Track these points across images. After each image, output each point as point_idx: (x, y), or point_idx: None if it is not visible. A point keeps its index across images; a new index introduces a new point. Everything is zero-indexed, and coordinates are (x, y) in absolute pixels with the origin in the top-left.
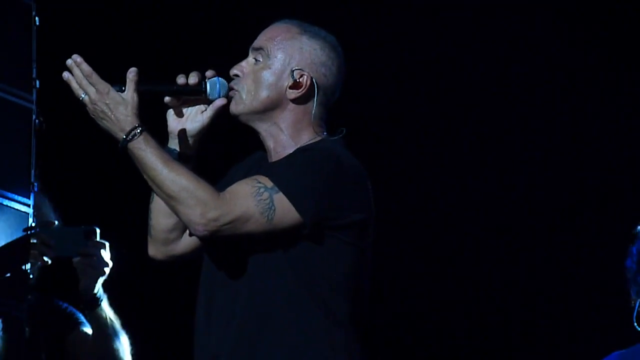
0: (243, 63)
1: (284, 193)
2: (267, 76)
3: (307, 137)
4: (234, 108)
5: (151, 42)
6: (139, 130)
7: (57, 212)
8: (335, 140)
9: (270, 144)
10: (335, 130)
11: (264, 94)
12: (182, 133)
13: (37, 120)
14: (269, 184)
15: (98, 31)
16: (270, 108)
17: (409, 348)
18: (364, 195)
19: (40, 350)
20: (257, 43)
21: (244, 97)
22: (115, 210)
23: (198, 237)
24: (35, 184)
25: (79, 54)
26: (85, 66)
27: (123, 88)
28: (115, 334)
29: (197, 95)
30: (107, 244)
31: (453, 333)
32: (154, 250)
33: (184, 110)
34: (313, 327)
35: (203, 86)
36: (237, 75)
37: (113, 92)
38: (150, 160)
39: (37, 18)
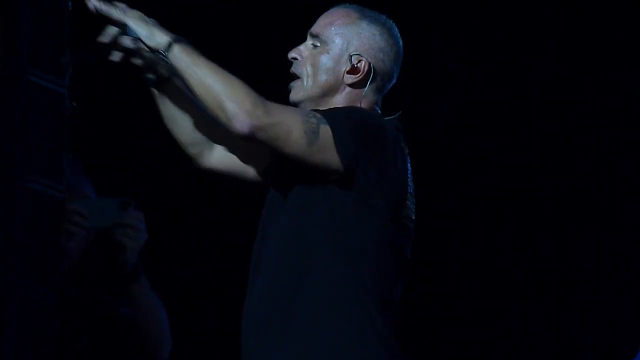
0: (301, 47)
1: (330, 128)
2: (326, 60)
3: None
4: (295, 96)
5: (190, 21)
6: (176, 37)
7: (95, 191)
8: (389, 119)
9: None
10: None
11: (322, 78)
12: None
13: (69, 106)
14: (319, 115)
15: None
16: (328, 93)
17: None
18: (401, 169)
19: (78, 336)
20: (314, 29)
21: (305, 83)
22: (148, 189)
23: (239, 133)
24: (68, 170)
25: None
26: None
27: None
28: (157, 303)
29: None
30: (143, 215)
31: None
32: (200, 159)
33: None
34: (345, 296)
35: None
36: (295, 59)
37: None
38: (184, 68)
39: (70, 3)
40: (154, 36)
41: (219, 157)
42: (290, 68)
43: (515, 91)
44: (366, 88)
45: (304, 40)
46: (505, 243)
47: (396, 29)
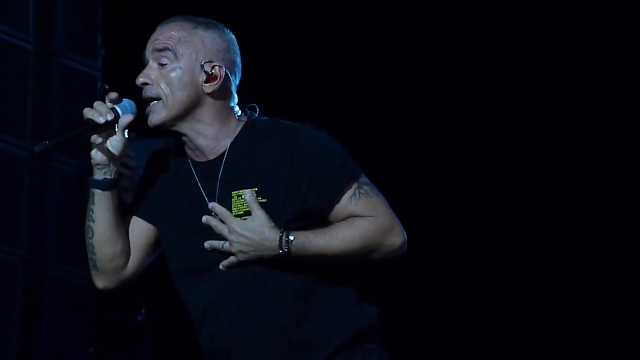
0: (146, 71)
1: (359, 175)
2: (180, 76)
3: (234, 124)
4: (156, 118)
5: (217, 9)
6: (286, 237)
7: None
8: (269, 119)
9: (201, 142)
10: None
11: (182, 94)
12: (107, 161)
13: (102, 88)
14: (354, 185)
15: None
16: (191, 108)
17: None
18: None
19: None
20: (157, 45)
21: (164, 103)
22: None
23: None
24: None
25: (143, 23)
26: (219, 208)
27: (46, 143)
28: None
29: (113, 125)
30: None
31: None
32: (106, 282)
33: (94, 139)
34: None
35: (116, 112)
36: (146, 84)
37: (244, 223)
38: (317, 249)
39: None
40: (266, 249)
41: (134, 263)
42: (141, 95)
43: (515, 91)
44: (232, 92)
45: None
46: (505, 243)
47: (222, 25)
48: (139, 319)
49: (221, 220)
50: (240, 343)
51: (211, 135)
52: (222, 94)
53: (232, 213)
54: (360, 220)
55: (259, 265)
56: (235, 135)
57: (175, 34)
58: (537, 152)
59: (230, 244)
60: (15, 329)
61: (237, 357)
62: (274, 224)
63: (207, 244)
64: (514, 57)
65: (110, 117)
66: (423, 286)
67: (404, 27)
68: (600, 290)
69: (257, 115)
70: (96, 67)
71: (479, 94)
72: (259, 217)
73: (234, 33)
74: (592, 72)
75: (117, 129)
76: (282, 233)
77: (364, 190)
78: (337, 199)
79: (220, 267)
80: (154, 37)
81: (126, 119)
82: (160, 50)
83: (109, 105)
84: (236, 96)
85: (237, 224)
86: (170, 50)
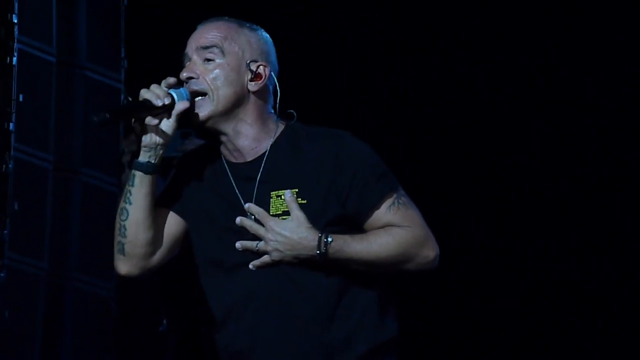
0: (191, 65)
1: (397, 186)
2: (227, 73)
3: (273, 126)
4: (203, 113)
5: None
6: (325, 238)
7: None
8: (305, 125)
9: (241, 142)
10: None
11: (228, 90)
12: (154, 144)
13: (125, 100)
14: (392, 195)
15: (185, 12)
16: (235, 105)
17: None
18: None
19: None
20: (203, 42)
21: (210, 98)
22: None
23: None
24: (126, 163)
25: (165, 35)
26: (255, 208)
27: (107, 115)
28: None
29: (168, 109)
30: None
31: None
32: (130, 267)
33: (148, 120)
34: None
35: (171, 96)
36: (191, 78)
37: (282, 222)
38: (354, 253)
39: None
40: (304, 249)
41: (161, 253)
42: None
43: (515, 91)
44: (271, 93)
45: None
46: (505, 243)
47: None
48: (160, 329)
49: (256, 220)
50: (264, 343)
51: (252, 136)
52: (264, 94)
53: (269, 213)
54: (398, 229)
55: (291, 265)
56: (275, 137)
57: (221, 32)
58: (537, 152)
59: (266, 242)
60: (38, 340)
61: (259, 357)
62: (311, 225)
63: (238, 244)
64: (514, 57)
65: (167, 101)
66: (423, 286)
67: (404, 27)
68: (600, 290)
69: (294, 120)
70: (119, 79)
71: (479, 94)
72: (298, 217)
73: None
74: (592, 72)
75: (171, 114)
76: (321, 234)
77: (402, 201)
78: (376, 206)
79: (251, 266)
80: (197, 35)
81: (181, 105)
82: (206, 47)
83: (165, 88)
84: (273, 98)
85: (274, 223)
86: (217, 47)
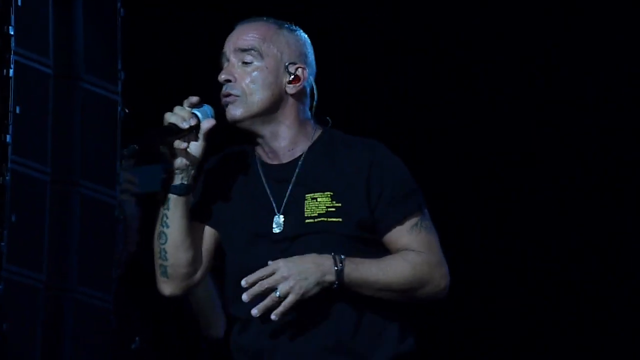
0: (229, 68)
1: (422, 209)
2: (265, 75)
3: (311, 129)
4: (235, 113)
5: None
6: (338, 261)
7: (139, 206)
8: (341, 132)
9: (277, 144)
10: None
11: (266, 94)
12: (185, 166)
13: (122, 112)
14: (416, 217)
15: (184, 23)
16: (272, 108)
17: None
18: None
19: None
20: (241, 44)
21: (244, 99)
22: None
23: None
24: (121, 174)
25: (163, 45)
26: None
27: (135, 146)
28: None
29: (195, 129)
30: None
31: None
32: (173, 289)
33: (177, 144)
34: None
35: (196, 117)
36: (228, 80)
37: (284, 260)
38: (368, 276)
39: (122, 10)
40: (319, 277)
41: (203, 269)
42: (221, 90)
43: (515, 91)
44: (309, 95)
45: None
46: (505, 243)
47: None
48: (133, 347)
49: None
50: (286, 343)
51: (289, 138)
52: (302, 96)
53: (304, 215)
54: (414, 254)
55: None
56: (313, 140)
57: (260, 33)
58: (537, 152)
59: (285, 279)
60: (37, 353)
61: (281, 356)
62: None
63: (253, 312)
64: (514, 57)
65: (193, 122)
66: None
67: (404, 27)
68: (600, 290)
69: (329, 126)
70: (116, 91)
71: (479, 94)
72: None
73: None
74: (592, 72)
75: (198, 135)
76: (333, 256)
77: (425, 225)
78: (400, 222)
79: (273, 316)
80: (235, 35)
81: (207, 123)
82: (245, 50)
83: (188, 109)
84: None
85: (283, 262)
86: (255, 50)
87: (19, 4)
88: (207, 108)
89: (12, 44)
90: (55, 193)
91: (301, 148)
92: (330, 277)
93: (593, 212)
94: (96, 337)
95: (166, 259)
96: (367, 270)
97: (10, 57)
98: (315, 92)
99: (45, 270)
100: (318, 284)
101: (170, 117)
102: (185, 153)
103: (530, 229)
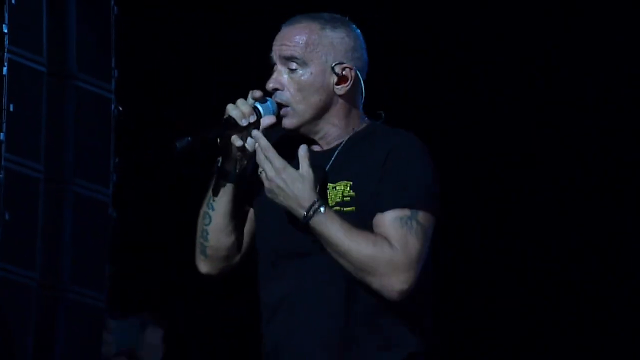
0: (276, 76)
1: (422, 210)
2: (312, 80)
3: (357, 122)
4: (290, 122)
5: (232, 30)
6: (317, 205)
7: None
8: (386, 125)
9: (325, 138)
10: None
11: (315, 98)
12: (237, 157)
13: (116, 110)
14: (407, 212)
15: (176, 21)
16: (323, 111)
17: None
18: None
19: None
20: (283, 52)
21: (296, 108)
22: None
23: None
24: (114, 174)
25: (157, 44)
26: (263, 140)
27: (189, 139)
28: None
29: (254, 126)
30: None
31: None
32: (210, 268)
33: (234, 139)
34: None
35: (257, 112)
36: (277, 89)
37: (289, 169)
38: (333, 234)
39: (115, 8)
40: (292, 202)
41: (243, 252)
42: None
43: (515, 91)
44: (361, 92)
45: None
46: (505, 243)
47: (347, 20)
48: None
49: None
50: (297, 340)
51: (333, 133)
52: (353, 94)
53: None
54: (386, 244)
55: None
56: (353, 133)
57: (302, 38)
58: (537, 152)
59: (267, 178)
60: (30, 351)
61: (299, 348)
62: (314, 187)
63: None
64: (514, 57)
65: (252, 119)
66: None
67: (404, 27)
68: (600, 290)
69: (381, 121)
70: (109, 89)
71: (479, 94)
72: (306, 172)
73: (236, 34)
74: (592, 72)
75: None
76: (317, 199)
77: (413, 224)
78: (389, 209)
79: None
80: (279, 40)
81: (267, 120)
82: (288, 58)
83: (251, 102)
84: (364, 93)
85: (281, 165)
86: (299, 58)
87: (13, 2)
88: (270, 103)
89: (6, 42)
90: (49, 191)
91: (342, 139)
92: (300, 214)
93: (593, 212)
94: (89, 335)
95: (207, 240)
96: (334, 231)
97: (4, 55)
98: (362, 86)
99: (39, 268)
100: (289, 207)
101: (231, 111)
102: (241, 147)
103: (530, 229)
